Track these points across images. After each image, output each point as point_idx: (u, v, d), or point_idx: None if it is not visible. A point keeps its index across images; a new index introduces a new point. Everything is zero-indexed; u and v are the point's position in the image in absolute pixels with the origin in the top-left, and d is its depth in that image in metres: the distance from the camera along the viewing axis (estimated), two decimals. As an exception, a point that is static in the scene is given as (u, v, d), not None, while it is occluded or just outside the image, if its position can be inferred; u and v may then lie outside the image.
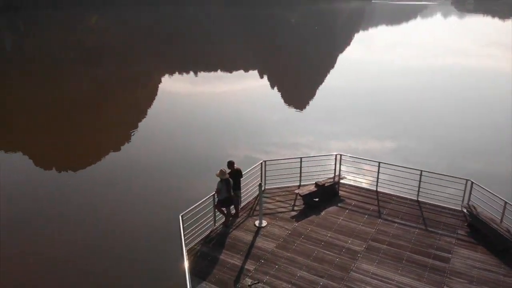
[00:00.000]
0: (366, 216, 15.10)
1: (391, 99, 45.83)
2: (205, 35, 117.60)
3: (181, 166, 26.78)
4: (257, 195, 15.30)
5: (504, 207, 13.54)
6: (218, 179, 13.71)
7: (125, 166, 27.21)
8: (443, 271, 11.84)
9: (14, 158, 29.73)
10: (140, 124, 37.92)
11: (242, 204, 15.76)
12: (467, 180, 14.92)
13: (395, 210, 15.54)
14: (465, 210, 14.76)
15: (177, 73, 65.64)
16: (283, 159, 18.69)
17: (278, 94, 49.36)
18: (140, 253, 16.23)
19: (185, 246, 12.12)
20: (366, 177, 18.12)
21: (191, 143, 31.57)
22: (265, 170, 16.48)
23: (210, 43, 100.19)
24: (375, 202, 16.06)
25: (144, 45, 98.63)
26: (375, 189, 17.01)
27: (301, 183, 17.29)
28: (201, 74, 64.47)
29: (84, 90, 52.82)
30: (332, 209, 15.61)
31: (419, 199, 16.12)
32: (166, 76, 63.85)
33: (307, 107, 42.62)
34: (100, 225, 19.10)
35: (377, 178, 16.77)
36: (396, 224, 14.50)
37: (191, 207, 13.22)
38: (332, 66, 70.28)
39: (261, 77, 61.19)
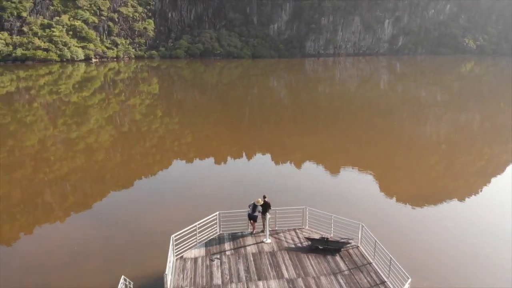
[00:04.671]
0: (329, 269, 16.80)
1: None
2: None
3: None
4: (294, 228, 20.13)
5: None
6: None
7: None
8: None
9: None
10: (494, 180, 33.92)
11: (284, 228, 20.25)
12: None
13: (356, 279, 16.11)
14: None
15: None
16: (320, 211, 19.87)
17: None
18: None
19: (219, 230, 19.53)
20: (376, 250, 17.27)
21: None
22: (307, 215, 20.16)
23: None
24: (354, 266, 17.06)
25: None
26: (371, 261, 17.35)
27: (330, 234, 19.27)
28: None
29: (442, 132, 52.40)
30: (319, 255, 17.79)
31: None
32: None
33: None
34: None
35: (374, 253, 17.32)
36: (336, 283, 15.82)
37: (229, 211, 19.99)
38: None
39: None
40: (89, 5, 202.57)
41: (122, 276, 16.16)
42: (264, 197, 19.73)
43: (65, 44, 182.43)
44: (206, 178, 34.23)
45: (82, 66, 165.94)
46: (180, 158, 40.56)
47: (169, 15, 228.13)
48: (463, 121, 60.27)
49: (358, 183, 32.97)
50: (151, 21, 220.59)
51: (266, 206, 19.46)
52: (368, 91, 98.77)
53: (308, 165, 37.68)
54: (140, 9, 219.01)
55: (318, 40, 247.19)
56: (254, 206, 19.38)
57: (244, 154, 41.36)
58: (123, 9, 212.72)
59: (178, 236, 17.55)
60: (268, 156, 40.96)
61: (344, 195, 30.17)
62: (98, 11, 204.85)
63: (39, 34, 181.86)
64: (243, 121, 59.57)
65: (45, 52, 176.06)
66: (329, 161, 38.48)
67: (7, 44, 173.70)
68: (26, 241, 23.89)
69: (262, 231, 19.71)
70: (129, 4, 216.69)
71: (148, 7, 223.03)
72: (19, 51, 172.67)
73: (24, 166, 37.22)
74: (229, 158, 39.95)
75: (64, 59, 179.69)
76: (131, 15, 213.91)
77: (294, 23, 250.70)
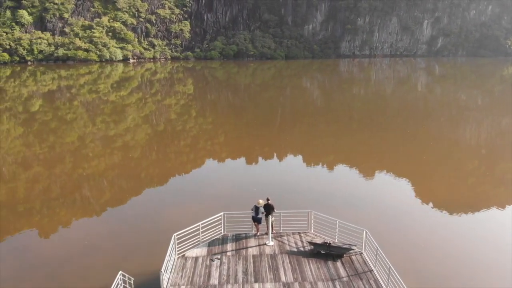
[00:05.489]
0: (328, 275, 16.39)
1: None
2: None
3: None
4: (299, 232, 19.89)
5: None
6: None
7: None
8: None
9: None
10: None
11: (288, 231, 20.04)
12: None
13: (355, 286, 15.74)
14: None
15: None
16: (325, 216, 19.41)
17: None
18: None
19: (223, 231, 19.65)
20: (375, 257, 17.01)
21: None
22: (313, 218, 19.90)
23: None
24: (354, 272, 16.62)
25: None
26: (373, 269, 16.92)
27: (335, 239, 18.98)
28: None
29: (483, 137, 50.42)
30: (320, 260, 17.45)
31: None
32: None
33: None
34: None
35: (375, 261, 16.93)
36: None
37: (233, 212, 20.28)
38: None
39: None
40: (128, 7, 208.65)
41: (120, 272, 16.18)
42: (268, 199, 19.58)
43: (104, 45, 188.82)
44: (236, 178, 34.43)
45: (120, 66, 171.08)
46: (213, 157, 41.01)
47: (205, 16, 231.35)
48: (504, 126, 57.68)
49: (393, 188, 32.19)
50: (187, 22, 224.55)
51: (269, 208, 19.28)
52: (405, 93, 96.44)
53: (341, 168, 37.17)
54: (177, 11, 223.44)
55: (353, 40, 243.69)
56: (256, 208, 19.31)
57: (275, 155, 41.31)
58: (160, 11, 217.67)
59: (181, 235, 17.79)
60: (299, 157, 40.72)
61: (377, 201, 29.54)
62: (136, 13, 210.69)
63: (80, 35, 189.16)
64: (275, 122, 59.51)
65: (86, 52, 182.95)
66: (363, 165, 37.79)
67: (49, 44, 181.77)
68: (52, 233, 24.85)
69: (267, 233, 19.54)
70: (166, 6, 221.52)
71: (185, 8, 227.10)
72: (60, 51, 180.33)
73: (64, 162, 38.74)
74: (260, 158, 40.00)
75: (103, 59, 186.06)
76: (168, 17, 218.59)
77: (329, 23, 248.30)
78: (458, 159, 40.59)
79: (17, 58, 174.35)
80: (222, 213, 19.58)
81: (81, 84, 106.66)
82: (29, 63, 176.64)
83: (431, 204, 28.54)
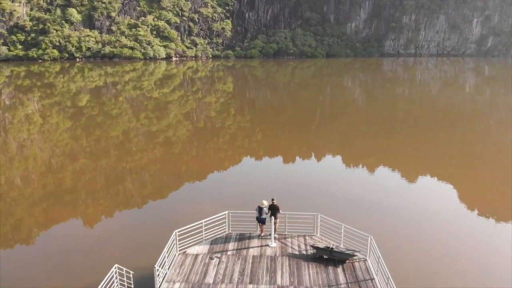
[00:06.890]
0: (326, 281, 15.83)
1: None
2: None
3: None
4: (304, 235, 19.42)
5: None
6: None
7: None
8: None
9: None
10: None
11: (294, 234, 19.57)
12: None
13: None
14: None
15: None
16: (331, 220, 18.91)
17: None
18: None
19: (228, 230, 19.58)
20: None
21: None
22: (319, 222, 19.38)
23: None
24: (354, 280, 16.05)
25: None
26: (374, 277, 16.19)
27: (340, 244, 18.45)
28: None
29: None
30: (320, 265, 16.91)
31: None
32: None
33: None
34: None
35: (377, 269, 16.31)
36: None
37: (237, 211, 20.12)
38: None
39: None
40: (172, 6, 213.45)
41: (116, 265, 15.81)
42: (272, 200, 19.30)
43: (149, 43, 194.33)
44: (270, 177, 34.37)
45: (163, 64, 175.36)
46: (250, 155, 41.19)
47: (247, 15, 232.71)
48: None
49: (436, 194, 31.01)
50: (229, 21, 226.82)
51: (274, 209, 19.01)
52: (451, 94, 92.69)
53: (382, 171, 36.24)
54: (219, 9, 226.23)
55: (398, 39, 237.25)
56: (260, 209, 19.13)
57: (313, 155, 40.90)
58: (203, 10, 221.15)
59: (184, 231, 17.91)
60: (338, 158, 40.09)
61: (418, 207, 28.58)
62: (180, 11, 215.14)
63: (126, 33, 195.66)
64: (313, 121, 58.94)
65: (131, 50, 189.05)
66: (405, 168, 36.67)
67: (97, 42, 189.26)
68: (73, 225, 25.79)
69: (270, 234, 19.31)
70: (209, 5, 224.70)
71: (227, 7, 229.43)
72: (107, 49, 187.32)
73: (108, 155, 40.23)
74: (297, 158, 39.74)
75: (147, 57, 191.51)
76: (211, 16, 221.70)
77: (373, 21, 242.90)
78: (506, 165, 38.49)
79: (66, 55, 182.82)
80: (226, 212, 19.56)
81: (126, 81, 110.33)
82: (77, 59, 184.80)
83: (475, 212, 27.26)
